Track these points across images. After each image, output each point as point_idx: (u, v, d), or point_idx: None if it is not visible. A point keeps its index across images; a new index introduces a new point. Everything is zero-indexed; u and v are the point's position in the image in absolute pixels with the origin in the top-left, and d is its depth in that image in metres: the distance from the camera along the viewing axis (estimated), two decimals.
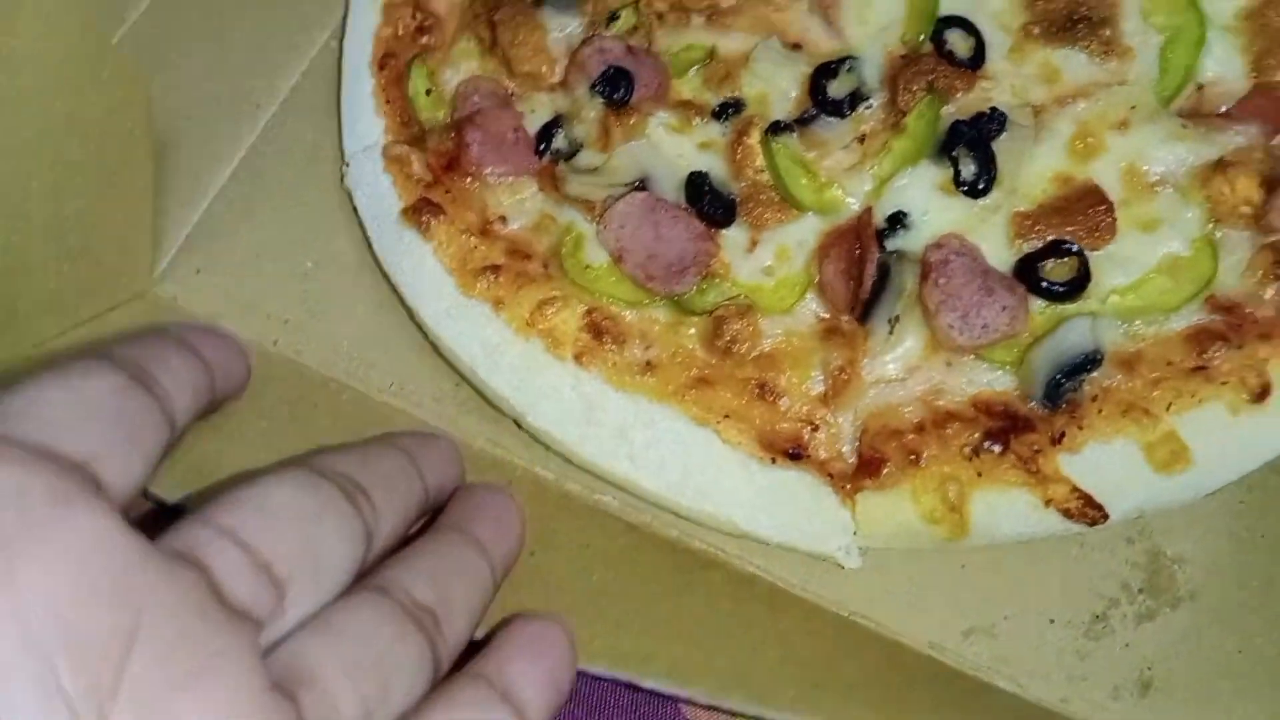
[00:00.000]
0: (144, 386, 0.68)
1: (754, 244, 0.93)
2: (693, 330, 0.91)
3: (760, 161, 0.94)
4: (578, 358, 0.90)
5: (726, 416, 0.87)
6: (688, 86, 0.99)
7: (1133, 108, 0.92)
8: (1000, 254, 0.89)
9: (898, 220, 0.91)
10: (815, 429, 0.88)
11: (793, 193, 0.93)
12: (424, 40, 1.03)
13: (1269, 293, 0.85)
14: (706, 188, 0.93)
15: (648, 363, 0.90)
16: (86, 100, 0.86)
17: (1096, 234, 0.88)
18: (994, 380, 0.87)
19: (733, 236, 0.93)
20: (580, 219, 0.94)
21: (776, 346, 0.90)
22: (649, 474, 0.88)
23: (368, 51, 1.04)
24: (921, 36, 0.96)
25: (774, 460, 0.87)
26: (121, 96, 0.90)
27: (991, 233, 0.90)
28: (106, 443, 0.63)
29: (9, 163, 0.81)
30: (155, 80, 0.96)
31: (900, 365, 0.88)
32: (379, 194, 0.98)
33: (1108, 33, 0.94)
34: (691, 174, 0.94)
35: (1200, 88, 0.93)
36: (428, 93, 1.01)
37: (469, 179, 0.96)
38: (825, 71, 0.96)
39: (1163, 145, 0.90)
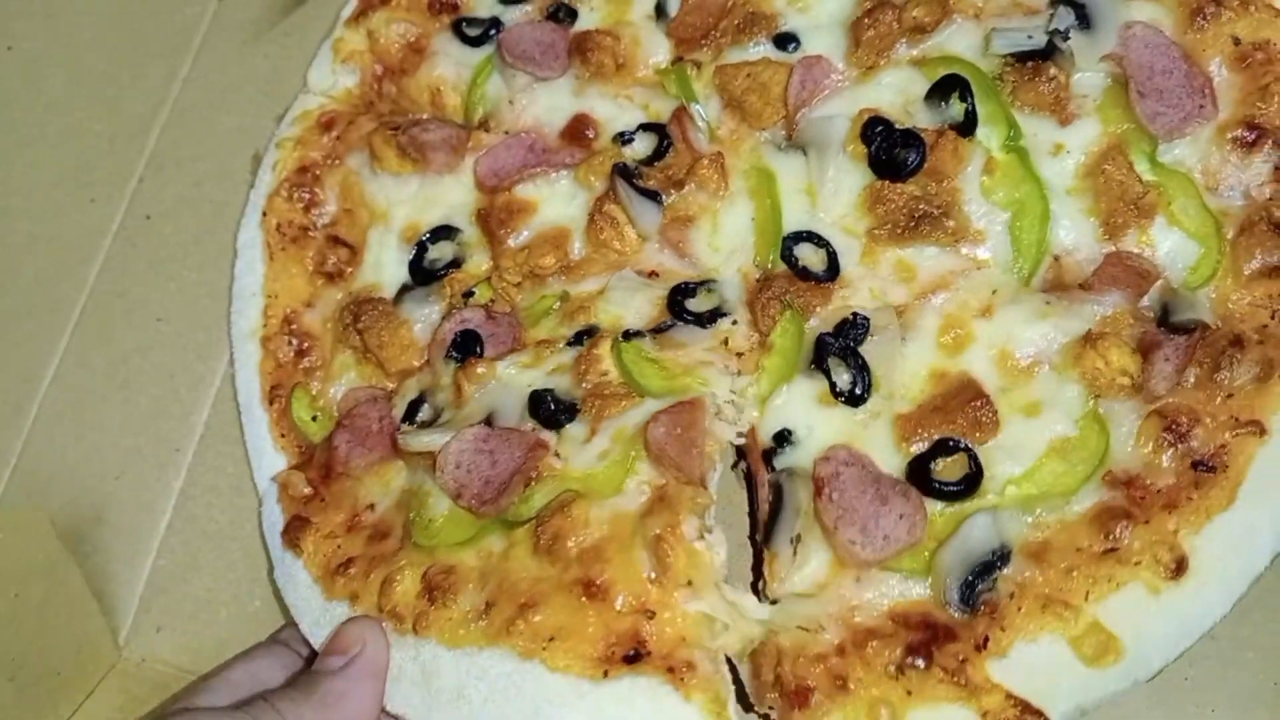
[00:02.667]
0: None
1: (593, 433, 0.92)
2: (523, 543, 0.89)
3: (605, 365, 0.94)
4: (415, 626, 0.89)
5: (552, 639, 0.85)
6: (543, 329, 0.99)
7: (994, 292, 0.91)
8: (889, 459, 0.87)
9: (783, 438, 0.90)
10: (651, 616, 0.84)
11: (640, 383, 0.92)
12: (305, 363, 1.05)
13: (1164, 460, 0.83)
14: (549, 399, 0.94)
15: (486, 604, 0.88)
16: None
17: (980, 428, 0.86)
18: (907, 589, 0.83)
19: (572, 432, 0.92)
20: (428, 479, 0.94)
21: (602, 536, 0.87)
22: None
23: (256, 387, 1.06)
24: (772, 257, 0.96)
25: (606, 673, 0.83)
26: (24, 538, 1.00)
27: (877, 438, 0.88)
28: None
29: None
30: (77, 448, 1.08)
31: (809, 584, 0.85)
32: (274, 524, 1.00)
33: (952, 223, 0.93)
34: (533, 392, 0.94)
35: (1057, 258, 0.92)
36: (313, 419, 1.03)
37: (341, 479, 0.98)
38: (683, 290, 0.96)
39: (1029, 326, 0.89)
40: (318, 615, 0.93)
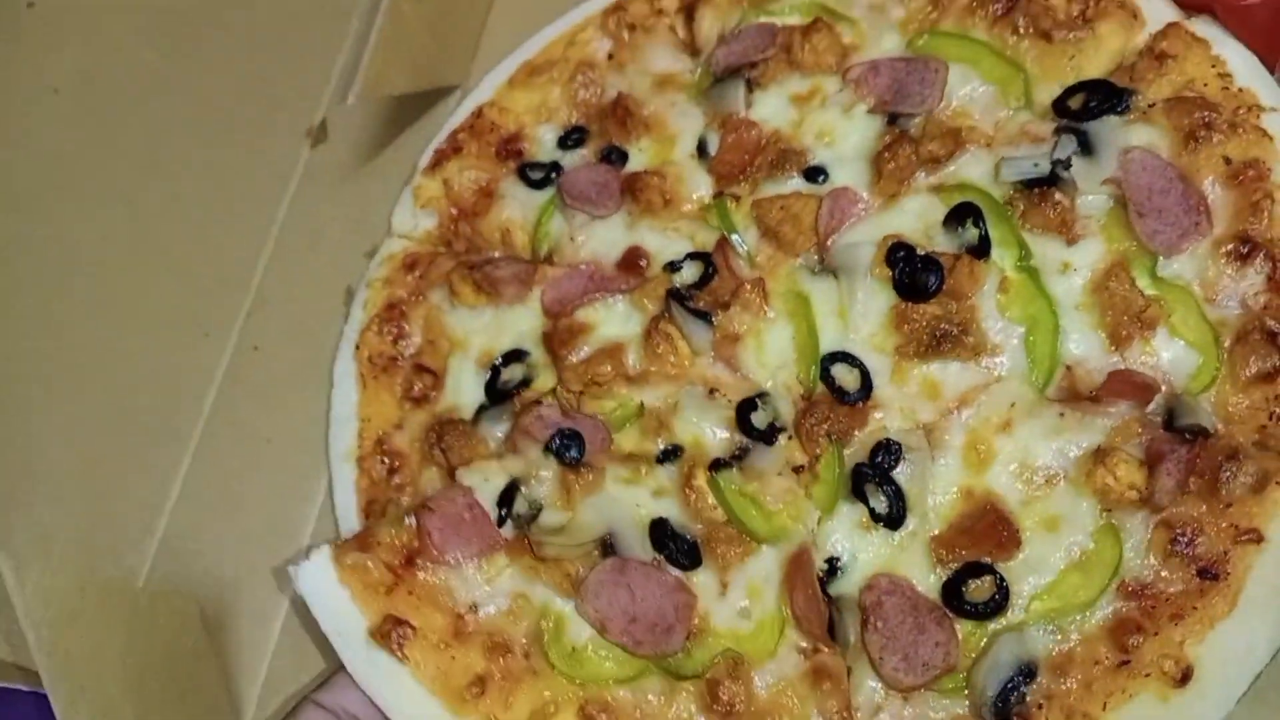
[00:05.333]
0: None
1: (725, 586, 1.00)
2: (687, 695, 0.97)
3: (711, 500, 1.02)
4: None
5: None
6: (628, 440, 1.08)
7: (1012, 405, 0.99)
8: (925, 580, 0.96)
9: (833, 566, 0.98)
10: None
11: (747, 524, 1.00)
12: (396, 480, 1.14)
13: (1172, 569, 0.91)
14: (669, 534, 1.01)
15: None
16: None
17: (1003, 548, 0.94)
18: (949, 707, 0.93)
19: (704, 582, 1.00)
20: (555, 596, 1.01)
21: (770, 698, 0.95)
22: None
23: (353, 503, 1.15)
24: (812, 374, 1.05)
25: None
26: (178, 621, 1.08)
27: (914, 561, 0.97)
28: None
29: None
30: (197, 563, 1.18)
31: (868, 709, 0.94)
32: (338, 609, 1.02)
33: (971, 339, 1.01)
34: (653, 522, 1.02)
35: (1069, 369, 1.00)
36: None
37: (432, 570, 1.02)
38: (748, 405, 1.05)
39: (1046, 440, 0.97)
40: None
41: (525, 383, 1.14)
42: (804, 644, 0.97)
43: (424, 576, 1.02)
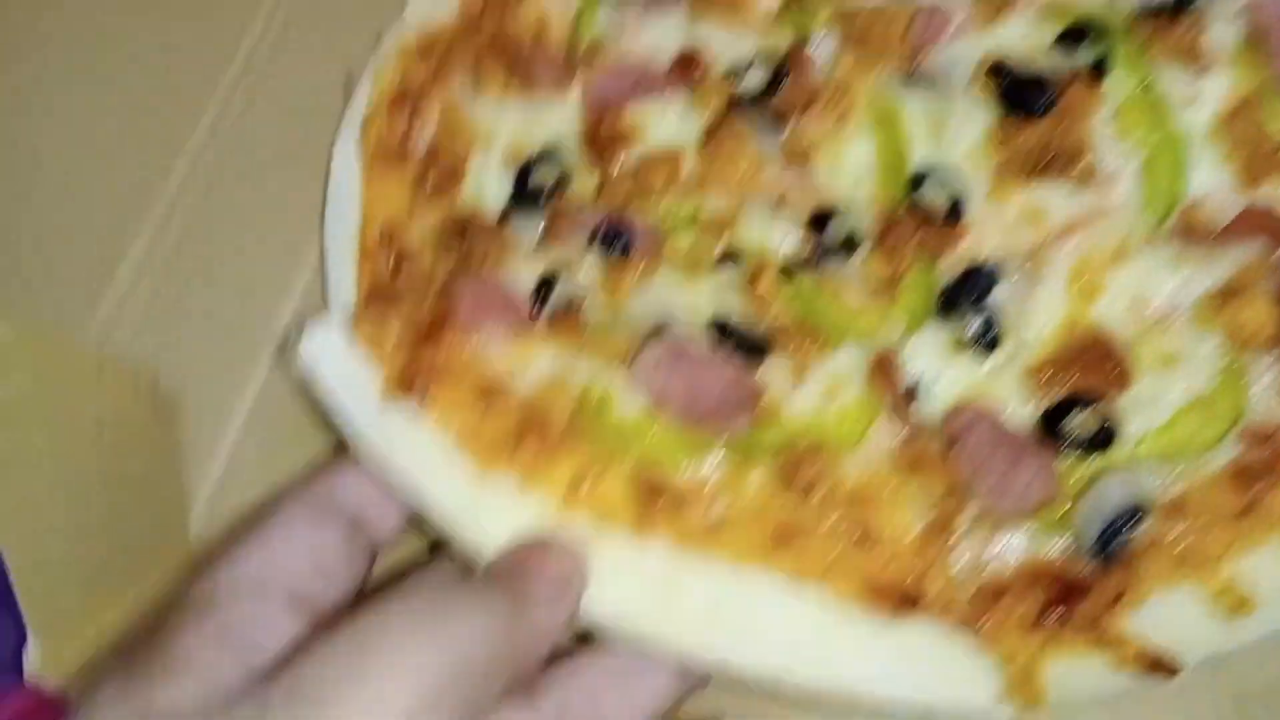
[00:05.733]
0: None
1: (799, 378, 0.88)
2: (757, 475, 0.83)
3: (779, 301, 0.90)
4: (638, 528, 0.82)
5: (827, 571, 0.80)
6: (682, 242, 0.95)
7: (1125, 239, 0.90)
8: (1020, 412, 0.87)
9: (913, 392, 0.88)
10: (925, 572, 0.81)
11: (827, 324, 0.89)
12: (404, 279, 0.98)
13: None
14: (732, 330, 0.88)
15: (712, 526, 0.82)
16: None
17: (1113, 381, 0.85)
18: (1038, 546, 0.83)
19: (772, 375, 0.87)
20: (600, 373, 0.86)
21: (861, 484, 0.83)
22: (757, 660, 0.79)
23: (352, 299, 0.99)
24: (898, 192, 0.94)
25: (892, 612, 0.80)
26: (130, 392, 0.93)
27: (1008, 390, 0.87)
28: None
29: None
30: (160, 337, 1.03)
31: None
32: (345, 376, 0.88)
33: (1083, 165, 0.92)
34: (714, 319, 0.89)
35: (1189, 206, 0.91)
36: None
37: (458, 344, 0.88)
38: (822, 216, 0.94)
39: (1163, 275, 0.88)
40: (462, 488, 0.83)
41: (560, 186, 1.00)
42: (899, 439, 0.85)
43: (448, 350, 0.88)
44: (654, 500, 0.82)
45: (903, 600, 0.81)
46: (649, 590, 0.80)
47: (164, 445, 0.97)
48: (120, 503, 0.91)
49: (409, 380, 0.86)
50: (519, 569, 0.79)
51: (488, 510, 0.83)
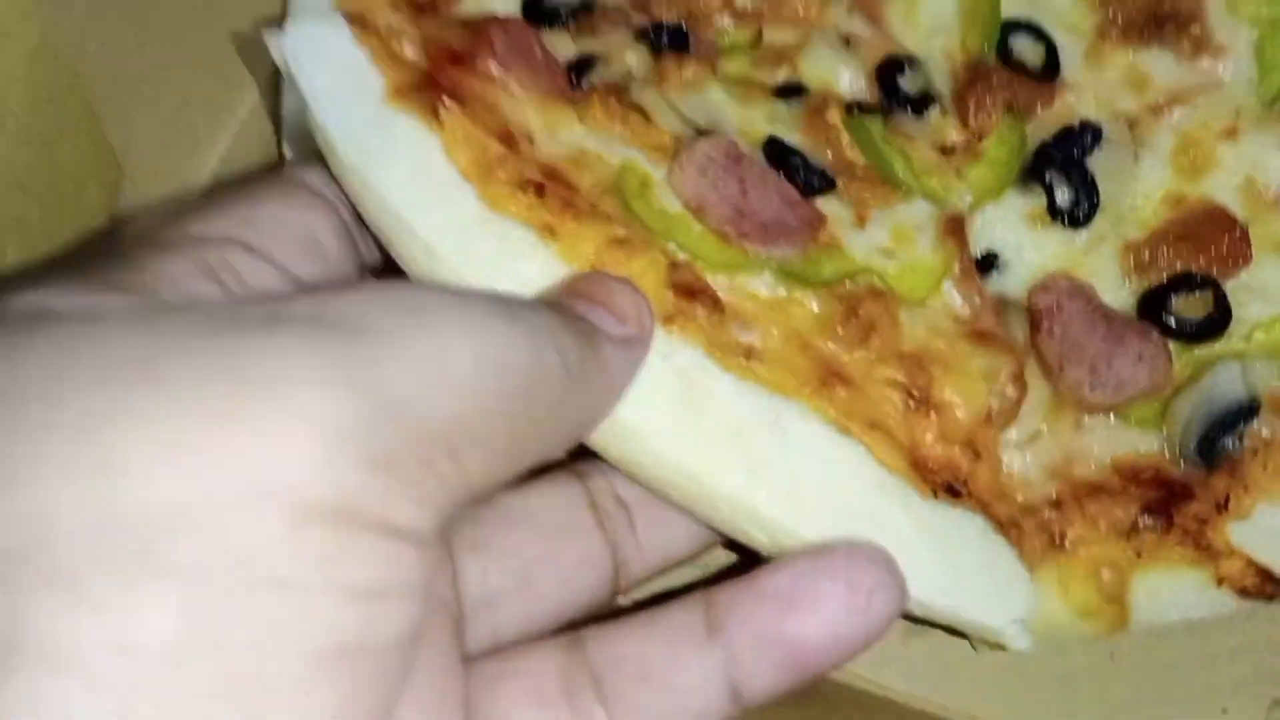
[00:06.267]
0: None
1: (862, 220, 0.75)
2: (805, 309, 0.70)
3: (848, 140, 0.77)
4: (668, 322, 0.67)
5: (873, 427, 0.68)
6: (735, 67, 0.81)
7: (1238, 113, 0.81)
8: (1115, 293, 0.77)
9: (989, 262, 0.77)
10: (977, 458, 0.70)
11: (895, 174, 0.76)
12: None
13: None
14: (794, 155, 0.75)
15: (749, 348, 0.68)
16: None
17: (1228, 261, 0.76)
18: (1134, 441, 0.73)
19: (836, 210, 0.74)
20: (641, 159, 0.72)
21: (920, 345, 0.71)
22: (773, 494, 0.65)
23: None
24: (983, 45, 0.83)
25: (935, 494, 0.68)
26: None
27: (1102, 268, 0.77)
28: None
29: None
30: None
31: (1021, 431, 0.73)
32: (346, 74, 0.70)
33: (1196, 30, 0.82)
34: (771, 138, 0.75)
35: None
36: None
37: (483, 83, 0.72)
38: (894, 65, 0.81)
39: (1278, 154, 0.79)
40: (467, 220, 0.67)
41: (586, 6, 0.83)
42: (963, 312, 0.73)
43: (471, 84, 0.71)
44: (694, 299, 0.67)
45: (947, 484, 0.68)
46: (667, 388, 0.65)
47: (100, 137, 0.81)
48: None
49: (419, 92, 0.69)
50: (583, 299, 0.63)
51: (491, 258, 0.66)
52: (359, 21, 0.71)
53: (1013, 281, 0.77)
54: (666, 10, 0.83)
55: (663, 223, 0.69)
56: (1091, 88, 0.82)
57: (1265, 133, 0.80)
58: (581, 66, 0.78)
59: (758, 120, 0.77)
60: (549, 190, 0.68)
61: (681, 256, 0.69)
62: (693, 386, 0.65)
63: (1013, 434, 0.72)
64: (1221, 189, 0.79)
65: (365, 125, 0.68)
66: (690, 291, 0.67)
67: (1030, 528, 0.70)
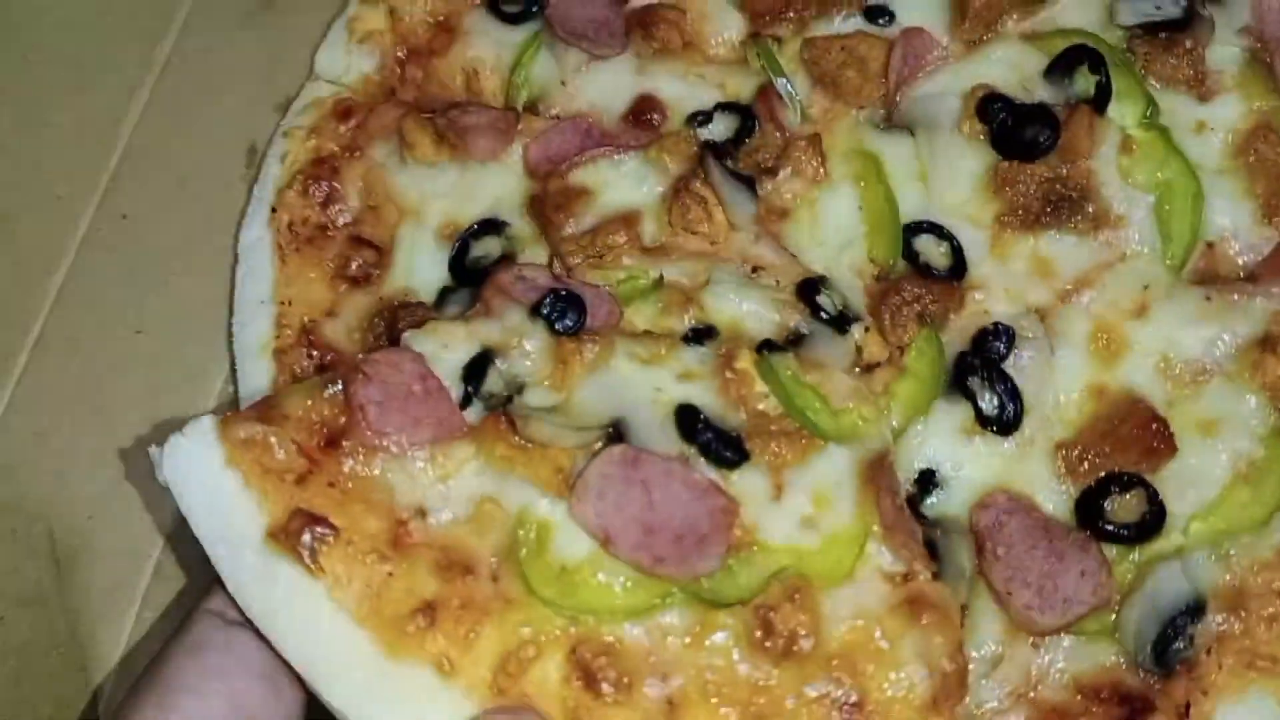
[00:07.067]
0: None
1: (779, 490, 0.75)
2: (723, 636, 0.71)
3: (759, 387, 0.78)
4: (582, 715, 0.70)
5: None
6: (641, 317, 0.83)
7: (1145, 287, 0.82)
8: (1053, 497, 0.78)
9: (928, 480, 0.78)
10: None
11: (810, 418, 0.77)
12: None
13: None
14: (702, 423, 0.75)
15: (669, 701, 0.70)
16: None
17: (1154, 454, 0.77)
18: (1093, 654, 0.74)
19: (749, 483, 0.75)
20: (538, 497, 0.73)
21: (847, 637, 0.71)
22: None
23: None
24: (890, 253, 0.84)
25: None
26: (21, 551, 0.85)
27: (1036, 473, 0.78)
28: None
29: None
30: (45, 481, 0.89)
31: (985, 661, 0.74)
32: (221, 503, 0.72)
33: (1092, 207, 0.84)
34: (680, 407, 0.76)
35: (1210, 245, 0.84)
36: None
37: (364, 459, 0.73)
38: (811, 286, 0.83)
39: (1191, 327, 0.81)
40: (369, 678, 0.69)
41: (505, 260, 0.87)
42: (894, 567, 0.73)
43: (352, 466, 0.73)
44: (594, 686, 0.69)
45: None
46: None
47: (56, 612, 0.85)
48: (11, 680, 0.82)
49: (295, 532, 0.70)
50: None
51: (396, 701, 0.70)
52: (230, 439, 0.72)
53: (953, 499, 0.78)
54: (576, 251, 0.85)
55: (562, 591, 0.70)
56: (1000, 281, 0.84)
57: (1175, 305, 0.81)
58: (477, 366, 0.77)
59: (667, 383, 0.78)
60: (440, 608, 0.70)
61: (583, 630, 0.70)
62: None
63: (977, 669, 0.73)
64: (1138, 372, 0.80)
65: (251, 561, 0.71)
66: (591, 678, 0.69)
67: None
